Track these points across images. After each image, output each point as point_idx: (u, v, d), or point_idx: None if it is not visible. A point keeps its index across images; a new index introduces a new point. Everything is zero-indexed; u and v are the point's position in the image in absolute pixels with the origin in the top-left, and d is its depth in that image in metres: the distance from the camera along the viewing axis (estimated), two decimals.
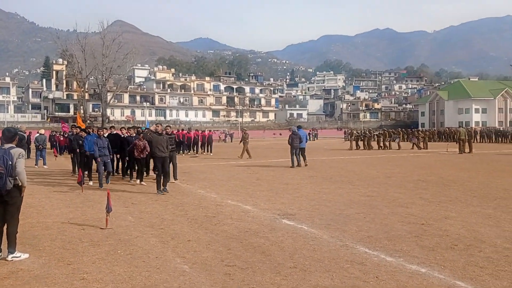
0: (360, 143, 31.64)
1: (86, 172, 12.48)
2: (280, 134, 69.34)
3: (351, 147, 31.20)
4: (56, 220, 7.36)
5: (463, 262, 4.99)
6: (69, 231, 6.59)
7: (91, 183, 12.01)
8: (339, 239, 6.04)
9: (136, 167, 12.68)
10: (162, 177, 10.32)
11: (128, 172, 13.53)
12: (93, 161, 12.28)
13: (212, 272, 4.71)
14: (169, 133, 12.43)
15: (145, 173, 13.07)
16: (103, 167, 11.66)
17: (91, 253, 5.41)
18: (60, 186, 11.93)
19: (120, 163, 14.49)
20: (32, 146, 21.72)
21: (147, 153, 11.63)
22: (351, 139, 32.46)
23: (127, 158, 13.38)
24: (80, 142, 13.01)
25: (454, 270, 4.71)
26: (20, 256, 5.20)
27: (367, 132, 33.04)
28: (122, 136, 13.99)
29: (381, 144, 30.94)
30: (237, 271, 4.75)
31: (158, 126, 11.19)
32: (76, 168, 13.84)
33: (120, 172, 14.23)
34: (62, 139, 26.78)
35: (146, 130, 13.59)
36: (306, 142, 17.92)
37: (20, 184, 5.25)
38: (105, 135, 12.79)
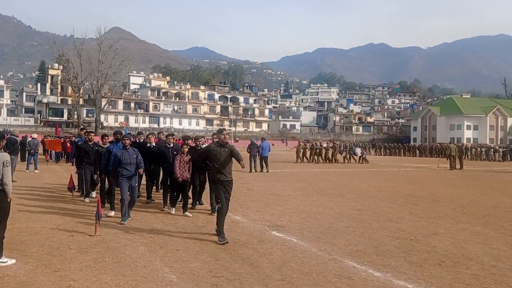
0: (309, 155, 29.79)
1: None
2: (273, 145, 69.35)
3: (297, 159, 29.48)
4: (45, 226, 7.30)
5: (450, 279, 5.03)
6: (57, 237, 6.55)
7: (112, 213, 8.45)
8: (327, 252, 6.06)
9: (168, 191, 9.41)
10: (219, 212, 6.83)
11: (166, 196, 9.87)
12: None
13: (199, 283, 4.70)
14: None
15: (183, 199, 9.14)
16: (127, 193, 7.88)
17: (79, 260, 5.38)
18: (52, 193, 11.84)
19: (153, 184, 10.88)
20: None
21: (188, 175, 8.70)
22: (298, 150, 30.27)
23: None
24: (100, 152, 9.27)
25: (441, 287, 4.75)
26: (6, 262, 5.15)
27: (316, 145, 30.87)
28: (149, 145, 10.16)
29: (329, 157, 29.63)
30: (224, 282, 4.74)
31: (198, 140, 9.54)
32: (84, 186, 10.61)
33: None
34: (69, 145, 23.03)
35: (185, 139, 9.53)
36: (269, 152, 20.95)
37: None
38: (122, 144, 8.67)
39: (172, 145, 9.67)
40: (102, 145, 9.30)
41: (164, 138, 10.96)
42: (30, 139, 19.17)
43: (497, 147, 47.59)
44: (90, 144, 10.24)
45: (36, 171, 17.99)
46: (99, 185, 9.51)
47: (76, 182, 10.78)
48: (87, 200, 10.05)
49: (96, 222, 6.86)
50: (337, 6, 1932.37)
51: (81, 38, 52.82)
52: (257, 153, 20.45)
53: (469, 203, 11.24)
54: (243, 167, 7.35)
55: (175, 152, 9.23)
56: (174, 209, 8.89)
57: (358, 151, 31.17)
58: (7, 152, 15.26)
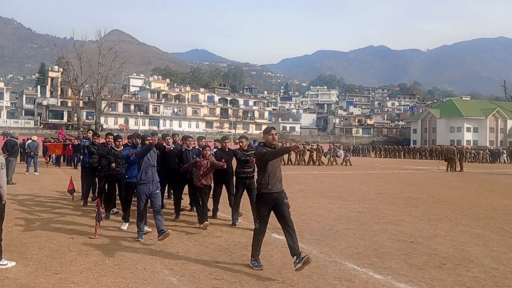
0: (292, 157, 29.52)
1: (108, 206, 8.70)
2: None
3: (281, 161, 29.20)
4: (45, 228, 7.29)
5: (451, 281, 5.02)
6: (57, 239, 6.54)
7: (125, 226, 7.47)
8: (328, 255, 6.05)
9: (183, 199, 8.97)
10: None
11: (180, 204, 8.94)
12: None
13: (199, 285, 4.69)
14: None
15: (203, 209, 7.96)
16: (145, 202, 6.81)
17: (79, 263, 5.37)
18: (52, 196, 11.83)
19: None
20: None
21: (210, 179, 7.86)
22: None
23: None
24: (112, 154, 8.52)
25: None
26: (6, 264, 5.14)
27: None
28: (166, 147, 8.82)
29: (313, 159, 29.36)
30: (225, 284, 4.74)
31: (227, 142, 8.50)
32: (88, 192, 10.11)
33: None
34: (70, 148, 22.91)
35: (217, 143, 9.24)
36: None
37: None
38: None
39: (191, 147, 8.74)
40: (116, 148, 8.50)
41: (180, 141, 9.56)
42: (30, 141, 19.16)
43: (487, 149, 47.87)
44: (109, 147, 8.73)
45: (36, 173, 17.97)
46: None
47: (76, 186, 10.76)
48: (114, 210, 8.85)
49: (96, 224, 6.86)
50: (337, 9, 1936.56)
51: (81, 41, 52.72)
52: None
53: (469, 205, 11.23)
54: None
55: (195, 156, 8.34)
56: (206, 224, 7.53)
57: (341, 153, 31.29)
58: (6, 154, 15.19)
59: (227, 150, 8.39)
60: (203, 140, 9.19)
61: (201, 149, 8.33)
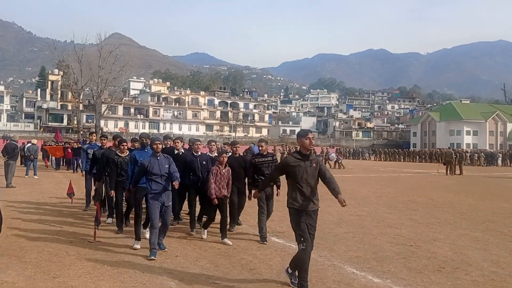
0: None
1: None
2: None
3: None
4: (43, 232, 7.28)
5: (450, 285, 5.02)
6: (56, 243, 6.53)
7: (138, 245, 6.40)
8: (327, 258, 6.05)
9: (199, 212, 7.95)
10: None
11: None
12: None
13: None
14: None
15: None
16: (158, 216, 6.02)
17: (78, 267, 5.36)
18: (51, 199, 11.83)
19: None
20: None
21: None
22: None
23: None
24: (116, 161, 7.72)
25: None
26: None
27: (290, 150, 30.77)
28: (177, 152, 7.81)
29: None
30: None
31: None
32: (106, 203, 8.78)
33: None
34: (70, 151, 22.32)
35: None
36: None
37: None
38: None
39: (200, 153, 7.78)
40: (120, 153, 7.76)
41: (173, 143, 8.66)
42: (30, 144, 19.16)
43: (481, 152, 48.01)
44: (119, 152, 7.89)
45: (35, 176, 17.97)
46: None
47: (76, 191, 10.74)
48: (109, 220, 8.27)
49: (95, 228, 6.85)
50: (337, 12, 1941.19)
51: (81, 44, 52.86)
52: None
53: (469, 209, 11.22)
54: (343, 204, 4.98)
55: (204, 162, 7.60)
56: (206, 231, 7.17)
57: (333, 156, 31.22)
58: (6, 157, 15.21)
59: (237, 155, 7.79)
60: (212, 143, 8.14)
61: (209, 154, 7.83)
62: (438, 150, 52.97)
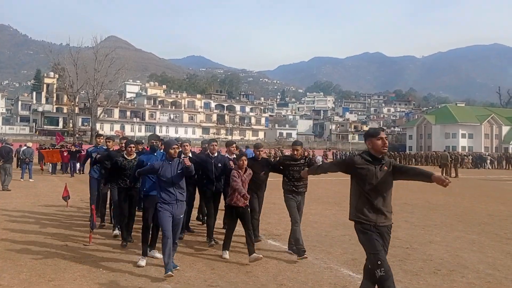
0: None
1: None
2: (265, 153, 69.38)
3: None
4: (39, 235, 7.25)
5: (446, 287, 5.02)
6: (51, 246, 6.50)
7: (144, 263, 5.69)
8: (323, 261, 6.04)
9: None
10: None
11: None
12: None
13: None
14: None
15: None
16: (170, 228, 5.36)
17: (73, 270, 5.33)
18: (46, 202, 11.78)
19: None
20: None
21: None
22: None
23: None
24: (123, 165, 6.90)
25: None
26: None
27: (276, 153, 30.96)
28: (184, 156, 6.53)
29: None
30: None
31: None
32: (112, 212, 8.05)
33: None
34: (66, 154, 21.89)
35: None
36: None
37: None
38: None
39: (216, 154, 7.08)
40: (126, 156, 6.97)
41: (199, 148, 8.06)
42: (25, 148, 19.07)
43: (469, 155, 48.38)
44: (128, 156, 7.01)
45: (31, 180, 17.88)
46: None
47: (76, 194, 10.69)
48: (117, 232, 7.29)
49: (91, 231, 6.82)
50: (333, 16, 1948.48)
51: (77, 47, 52.99)
52: None
53: (465, 211, 11.25)
54: (445, 182, 3.80)
55: (219, 165, 6.91)
56: (228, 252, 6.10)
57: (319, 159, 31.35)
58: (2, 161, 15.15)
59: (259, 159, 7.05)
60: (214, 143, 7.27)
61: (227, 155, 7.17)
62: (434, 153, 53.13)
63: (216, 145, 7.09)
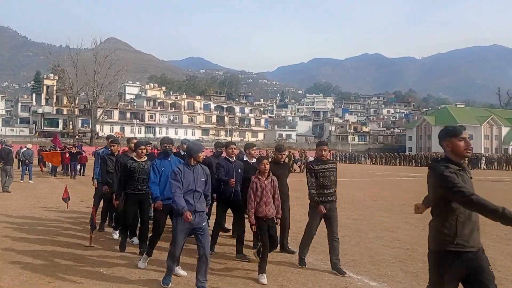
0: None
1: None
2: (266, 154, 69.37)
3: None
4: (39, 237, 7.24)
5: None
6: (52, 248, 6.50)
7: (145, 264, 5.62)
8: (323, 262, 6.04)
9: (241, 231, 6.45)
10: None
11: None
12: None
13: None
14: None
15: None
16: (183, 240, 4.88)
17: (73, 271, 5.33)
18: (46, 204, 11.78)
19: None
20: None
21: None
22: None
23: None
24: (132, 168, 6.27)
25: None
26: None
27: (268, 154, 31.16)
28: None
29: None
30: None
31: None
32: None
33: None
34: (68, 156, 21.84)
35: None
36: None
37: None
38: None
39: (235, 159, 6.43)
40: (136, 158, 6.33)
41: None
42: (25, 149, 19.08)
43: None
44: (135, 157, 6.40)
45: (31, 181, 17.89)
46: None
47: (76, 196, 10.68)
48: (135, 240, 6.75)
49: (91, 232, 6.82)
50: (332, 17, 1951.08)
51: (77, 49, 53.03)
52: None
53: None
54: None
55: (239, 170, 6.27)
56: (265, 276, 5.13)
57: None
58: (2, 163, 15.16)
59: (282, 162, 6.49)
60: (232, 146, 6.53)
61: (245, 158, 6.52)
62: (434, 154, 53.13)
63: (235, 148, 6.41)
